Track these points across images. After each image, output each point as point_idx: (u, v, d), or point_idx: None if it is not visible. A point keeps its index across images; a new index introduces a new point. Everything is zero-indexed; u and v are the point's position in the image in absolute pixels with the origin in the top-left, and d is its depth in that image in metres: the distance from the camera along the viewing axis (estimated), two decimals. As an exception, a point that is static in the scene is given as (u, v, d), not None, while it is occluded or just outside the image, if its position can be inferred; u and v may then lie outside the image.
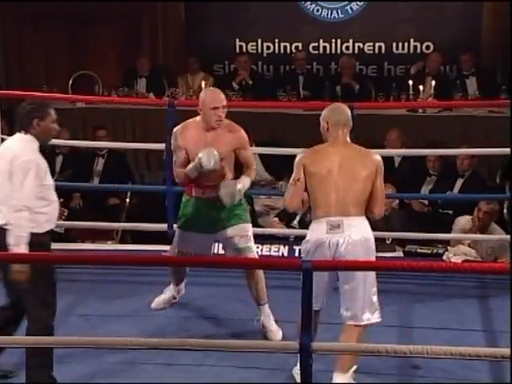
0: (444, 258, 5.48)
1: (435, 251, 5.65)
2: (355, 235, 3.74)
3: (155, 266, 4.80)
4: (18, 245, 3.63)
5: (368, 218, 3.86)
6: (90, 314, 4.70)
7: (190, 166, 4.26)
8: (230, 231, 4.38)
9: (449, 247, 5.63)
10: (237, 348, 3.58)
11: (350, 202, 3.74)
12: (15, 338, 3.59)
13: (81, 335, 4.00)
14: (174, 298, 4.81)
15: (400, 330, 4.54)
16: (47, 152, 4.27)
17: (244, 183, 4.33)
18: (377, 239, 5.88)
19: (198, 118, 4.40)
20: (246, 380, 3.96)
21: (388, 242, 6.00)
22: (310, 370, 3.27)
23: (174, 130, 4.45)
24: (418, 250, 5.70)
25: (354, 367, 3.78)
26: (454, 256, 5.45)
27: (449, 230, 5.87)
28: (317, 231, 3.76)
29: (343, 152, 3.81)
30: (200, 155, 4.17)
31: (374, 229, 5.85)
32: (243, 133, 4.36)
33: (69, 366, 4.02)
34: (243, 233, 4.39)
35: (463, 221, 5.86)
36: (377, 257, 5.53)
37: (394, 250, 5.85)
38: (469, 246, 5.62)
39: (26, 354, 3.71)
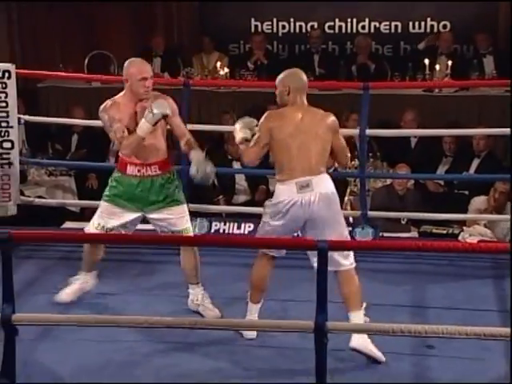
0: (459, 238, 5.46)
1: (450, 232, 5.64)
2: (324, 190, 3.94)
3: (169, 245, 4.82)
4: None
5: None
6: (105, 293, 4.72)
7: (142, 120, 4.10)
8: (166, 213, 4.29)
9: (464, 227, 5.61)
10: (251, 327, 3.59)
11: (314, 162, 3.94)
12: (30, 315, 3.61)
13: (95, 313, 4.04)
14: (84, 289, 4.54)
15: (414, 310, 4.54)
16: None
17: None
18: (392, 219, 5.89)
19: (122, 93, 4.30)
20: (259, 358, 3.97)
21: (403, 222, 6.00)
22: (325, 349, 3.28)
23: (103, 106, 4.31)
24: (434, 231, 5.68)
25: (364, 304, 3.98)
26: (470, 236, 5.43)
27: (464, 211, 5.85)
28: (287, 192, 3.92)
29: (305, 115, 3.99)
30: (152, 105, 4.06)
31: (389, 209, 5.88)
32: (172, 100, 4.27)
33: (83, 344, 4.05)
34: (181, 214, 4.32)
35: (479, 201, 5.83)
36: (392, 237, 5.55)
37: (409, 231, 5.84)
38: (485, 226, 5.59)
39: None
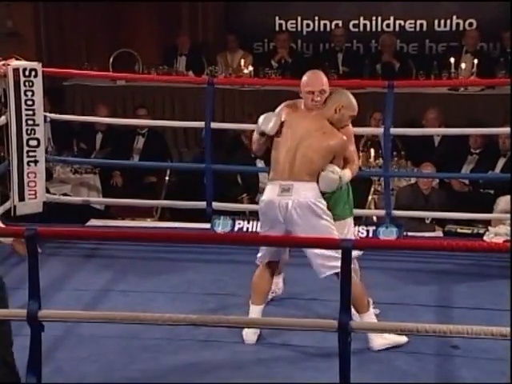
0: (485, 238, 5.42)
1: (475, 231, 5.60)
2: (302, 199, 3.93)
3: (194, 244, 4.83)
4: None
5: None
6: (129, 291, 4.75)
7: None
8: None
9: (489, 227, 5.56)
10: (275, 326, 3.59)
11: (303, 170, 3.95)
12: (56, 311, 3.64)
13: (120, 311, 4.05)
14: (272, 293, 4.48)
15: (439, 310, 4.52)
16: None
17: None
18: (416, 219, 5.86)
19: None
20: (283, 357, 3.97)
21: (427, 221, 5.97)
22: (349, 349, 3.27)
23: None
24: (458, 230, 5.65)
25: (371, 302, 3.98)
26: (495, 236, 5.39)
27: (490, 210, 5.80)
28: (270, 193, 3.99)
29: (313, 123, 4.00)
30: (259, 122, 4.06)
31: (413, 208, 5.85)
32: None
33: (108, 341, 4.08)
34: None
35: (505, 200, 5.78)
36: (416, 236, 5.52)
37: (434, 230, 5.81)
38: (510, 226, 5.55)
39: None
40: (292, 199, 3.92)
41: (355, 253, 3.86)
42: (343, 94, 4.10)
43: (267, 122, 4.02)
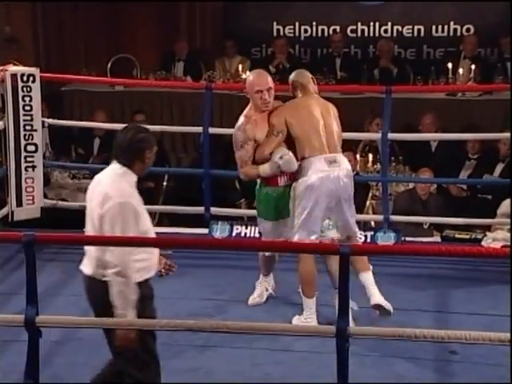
0: (483, 243, 5.42)
1: (473, 236, 5.59)
2: (348, 168, 4.25)
3: (192, 249, 4.82)
4: (125, 309, 3.18)
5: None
6: (128, 296, 4.73)
7: (266, 167, 4.18)
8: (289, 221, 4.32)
9: (487, 232, 5.56)
10: (273, 331, 3.59)
11: (336, 141, 4.24)
12: (54, 317, 3.63)
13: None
14: (267, 290, 4.64)
15: (437, 315, 4.52)
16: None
17: None
18: (414, 224, 5.87)
19: (249, 106, 4.34)
20: (281, 362, 3.97)
21: (425, 226, 5.96)
22: (347, 354, 3.27)
23: (240, 123, 4.29)
24: (456, 235, 5.65)
25: (370, 267, 4.25)
26: (493, 241, 5.39)
27: (488, 215, 5.80)
28: (318, 167, 4.14)
29: (318, 101, 4.32)
30: (280, 161, 4.13)
31: (411, 214, 5.86)
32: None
33: (105, 347, 4.06)
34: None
35: (506, 204, 5.78)
36: (414, 241, 5.53)
37: (432, 235, 5.81)
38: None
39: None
40: (341, 169, 4.18)
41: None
42: (302, 71, 4.45)
43: (290, 164, 4.14)
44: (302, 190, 4.16)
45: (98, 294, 3.23)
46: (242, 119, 4.31)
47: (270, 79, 4.29)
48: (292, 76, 4.42)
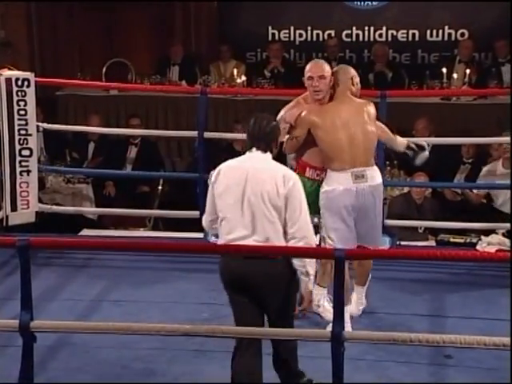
0: (478, 247, 5.43)
1: (468, 240, 5.60)
2: (376, 183, 4.20)
3: (187, 253, 4.83)
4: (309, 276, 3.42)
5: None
6: (122, 300, 4.74)
7: None
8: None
9: (482, 236, 5.57)
10: (268, 336, 3.58)
11: (369, 156, 4.18)
12: (49, 322, 3.62)
13: (113, 321, 4.04)
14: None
15: (432, 320, 4.52)
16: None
17: None
18: (409, 228, 5.87)
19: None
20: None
21: (420, 230, 5.97)
22: (342, 358, 3.27)
23: (291, 103, 4.30)
24: (451, 240, 5.65)
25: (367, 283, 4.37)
26: (488, 246, 5.40)
27: (482, 219, 5.81)
28: (343, 181, 4.11)
29: (349, 106, 4.18)
30: None
31: (406, 218, 5.86)
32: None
33: (100, 351, 4.06)
34: None
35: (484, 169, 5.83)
36: (409, 246, 5.55)
37: (427, 239, 5.81)
38: (503, 235, 5.56)
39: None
40: (368, 184, 4.13)
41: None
42: (346, 68, 4.29)
43: None
44: (325, 198, 4.17)
45: (283, 273, 3.38)
46: (295, 100, 4.31)
47: (326, 68, 4.19)
48: (333, 71, 4.26)
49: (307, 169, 4.24)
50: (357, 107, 4.20)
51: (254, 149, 3.48)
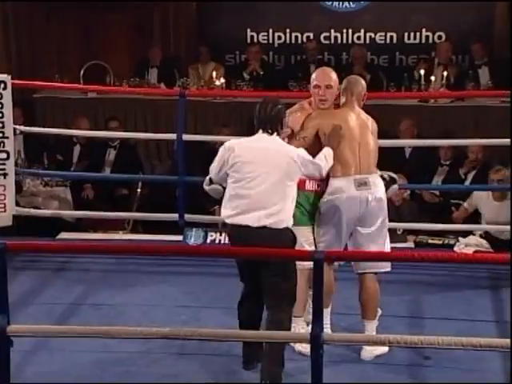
0: (455, 248, 5.46)
1: (446, 242, 5.64)
2: (378, 193, 4.08)
3: (166, 256, 4.81)
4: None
5: None
6: (102, 304, 4.72)
7: None
8: None
9: (460, 238, 5.61)
10: (248, 338, 3.58)
11: (371, 161, 4.11)
12: (26, 326, 3.60)
13: (92, 325, 4.02)
14: None
15: (411, 321, 4.54)
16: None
17: None
18: (388, 230, 5.90)
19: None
20: (256, 369, 3.96)
21: (399, 232, 5.99)
22: (321, 360, 3.28)
23: (295, 106, 4.20)
24: (429, 241, 5.68)
25: (379, 312, 4.19)
26: (466, 247, 5.43)
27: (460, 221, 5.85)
28: (346, 188, 4.03)
29: (358, 115, 4.15)
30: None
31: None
32: None
33: (79, 355, 4.04)
34: None
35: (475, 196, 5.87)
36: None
37: (406, 241, 5.84)
38: (480, 236, 5.60)
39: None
40: (371, 192, 4.04)
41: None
42: (361, 81, 4.22)
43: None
44: (328, 207, 4.07)
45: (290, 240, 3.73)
46: (299, 103, 4.22)
47: (334, 77, 4.11)
48: (345, 81, 4.19)
49: (307, 181, 4.08)
50: (364, 119, 4.16)
51: (260, 131, 3.79)
